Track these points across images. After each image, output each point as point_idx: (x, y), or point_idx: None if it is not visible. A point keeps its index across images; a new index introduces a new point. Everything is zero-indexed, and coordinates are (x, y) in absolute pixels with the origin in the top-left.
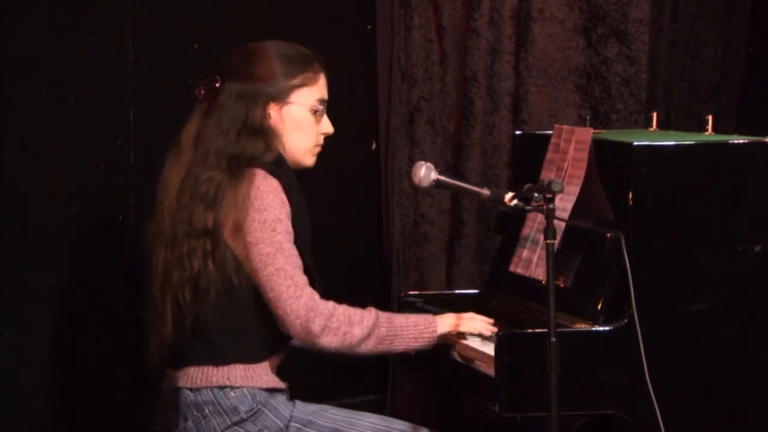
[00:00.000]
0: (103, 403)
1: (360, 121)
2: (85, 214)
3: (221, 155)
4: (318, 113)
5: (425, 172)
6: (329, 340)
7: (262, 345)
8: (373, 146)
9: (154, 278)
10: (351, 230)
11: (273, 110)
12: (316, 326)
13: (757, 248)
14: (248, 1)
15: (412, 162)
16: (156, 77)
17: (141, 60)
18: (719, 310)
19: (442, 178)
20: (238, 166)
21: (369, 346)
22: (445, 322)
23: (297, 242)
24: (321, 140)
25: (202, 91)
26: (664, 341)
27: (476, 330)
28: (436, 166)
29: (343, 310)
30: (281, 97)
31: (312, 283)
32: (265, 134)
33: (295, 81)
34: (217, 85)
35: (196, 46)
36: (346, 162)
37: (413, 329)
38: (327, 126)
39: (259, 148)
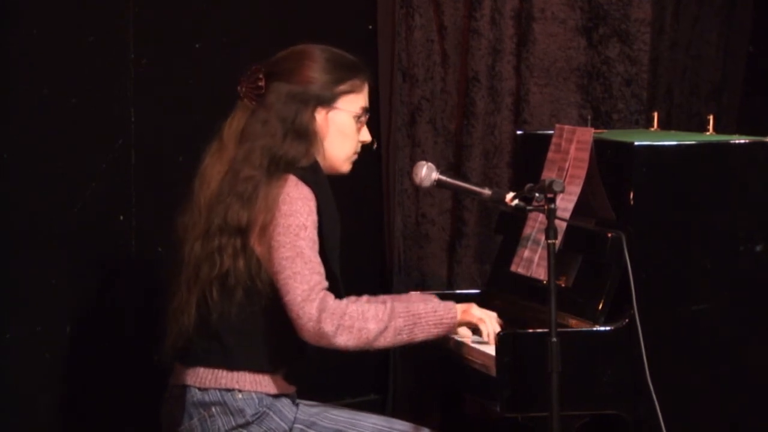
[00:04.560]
0: (104, 403)
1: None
2: (85, 214)
3: (265, 154)
4: (360, 121)
5: (426, 172)
6: (345, 339)
7: (275, 355)
8: (374, 146)
9: (182, 270)
10: (352, 230)
11: (319, 114)
12: (328, 327)
13: (758, 248)
14: (249, 2)
15: (413, 162)
16: (157, 77)
17: (141, 60)
18: (719, 310)
19: (444, 177)
20: (276, 169)
21: (387, 339)
22: (461, 311)
23: (325, 251)
24: (359, 148)
25: (244, 88)
26: (664, 341)
27: (485, 331)
28: (438, 166)
29: (356, 307)
30: (329, 102)
31: (335, 290)
32: (309, 138)
33: (344, 87)
34: (261, 83)
35: (196, 46)
36: None
37: (433, 315)
38: (366, 134)
39: (300, 152)
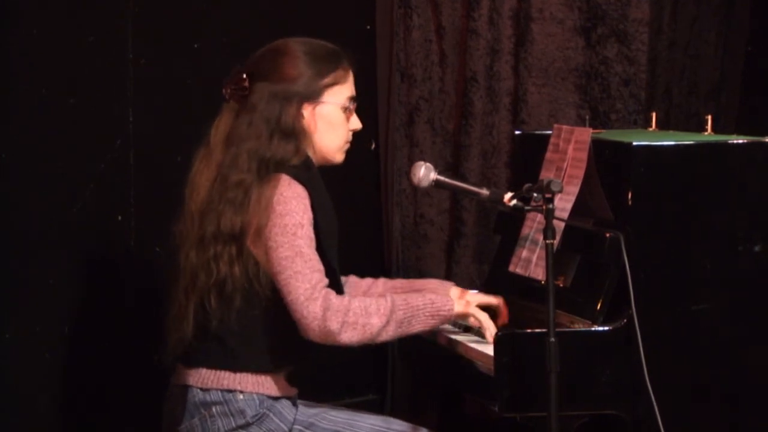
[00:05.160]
0: (104, 403)
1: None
2: (85, 214)
3: (252, 157)
4: (348, 110)
5: (424, 172)
6: (349, 336)
7: (278, 356)
8: (373, 146)
9: (180, 278)
10: (350, 230)
11: (306, 111)
12: (334, 325)
13: (757, 248)
14: (248, 2)
15: (411, 162)
16: (156, 77)
17: (141, 60)
18: (719, 310)
19: (442, 178)
20: (267, 170)
21: (389, 333)
22: (461, 303)
23: (322, 246)
24: (350, 137)
25: (229, 91)
26: (663, 341)
27: (483, 322)
28: (436, 166)
29: (358, 303)
30: (314, 97)
31: (335, 285)
32: (297, 136)
33: (327, 80)
34: (245, 84)
35: (196, 46)
36: (346, 162)
37: (431, 307)
38: (356, 123)
39: (289, 150)
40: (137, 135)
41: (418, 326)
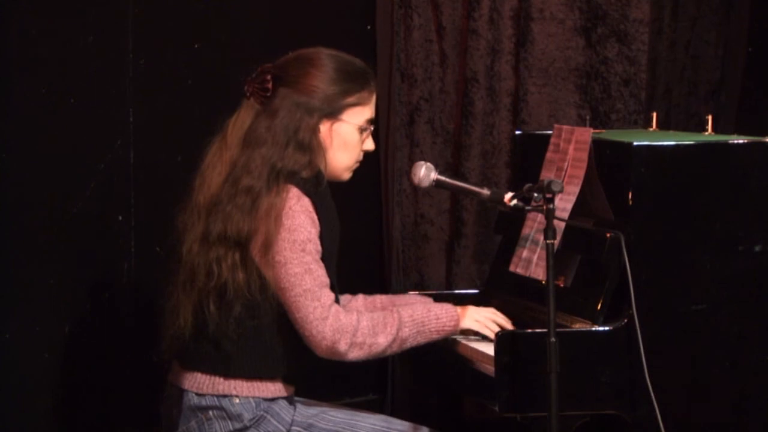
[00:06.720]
0: (103, 403)
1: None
2: (85, 214)
3: (265, 164)
4: (365, 132)
5: (425, 172)
6: (356, 355)
7: (276, 365)
8: (372, 147)
9: (179, 272)
10: (351, 230)
11: (324, 126)
12: (342, 346)
13: (757, 248)
14: (248, 2)
15: (412, 162)
16: (156, 77)
17: (141, 60)
18: (719, 310)
19: (442, 178)
20: (277, 180)
21: (394, 349)
22: (467, 316)
23: (324, 258)
24: (361, 157)
25: (251, 89)
26: (663, 341)
27: (486, 332)
28: (436, 166)
29: (366, 322)
30: (335, 114)
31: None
32: (312, 150)
33: (351, 99)
34: (269, 86)
35: (196, 46)
36: None
37: (435, 322)
38: (369, 144)
39: (302, 163)
40: (137, 135)
41: (423, 341)
